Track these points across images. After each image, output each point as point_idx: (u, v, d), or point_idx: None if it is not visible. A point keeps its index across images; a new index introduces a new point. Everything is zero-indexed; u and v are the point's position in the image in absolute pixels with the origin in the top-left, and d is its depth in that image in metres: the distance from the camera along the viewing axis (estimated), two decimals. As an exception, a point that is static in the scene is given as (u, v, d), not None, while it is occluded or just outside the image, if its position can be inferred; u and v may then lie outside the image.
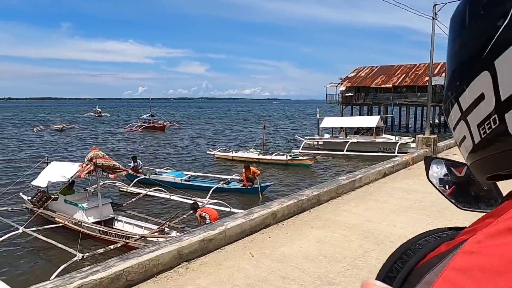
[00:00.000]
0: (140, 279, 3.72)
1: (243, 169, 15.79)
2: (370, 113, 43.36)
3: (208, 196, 13.37)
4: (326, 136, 29.34)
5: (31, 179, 12.15)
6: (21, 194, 13.27)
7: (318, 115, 30.23)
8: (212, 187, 14.76)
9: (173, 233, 9.46)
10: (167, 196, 13.30)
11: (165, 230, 9.99)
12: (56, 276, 7.10)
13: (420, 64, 41.13)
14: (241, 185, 15.75)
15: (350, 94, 43.07)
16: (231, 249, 4.82)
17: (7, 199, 12.72)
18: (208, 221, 9.34)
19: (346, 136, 27.41)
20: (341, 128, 28.83)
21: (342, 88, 43.42)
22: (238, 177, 16.14)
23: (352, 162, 22.79)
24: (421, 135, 14.80)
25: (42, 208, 11.34)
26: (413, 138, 22.87)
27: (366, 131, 27.80)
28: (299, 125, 54.93)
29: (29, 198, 12.48)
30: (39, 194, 12.15)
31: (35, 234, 9.84)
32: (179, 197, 12.77)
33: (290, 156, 21.69)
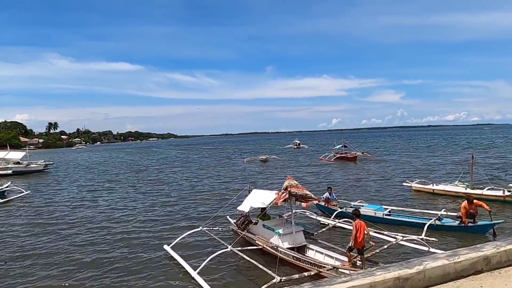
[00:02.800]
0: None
1: (464, 202, 13.51)
2: None
3: (423, 234, 12.26)
4: None
5: (237, 205, 13.81)
6: (228, 217, 15.20)
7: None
8: (425, 223, 13.41)
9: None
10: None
11: (357, 264, 9.59)
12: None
13: None
14: (458, 222, 13.51)
15: None
16: (431, 294, 4.14)
17: (218, 221, 14.77)
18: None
19: None
20: None
21: None
22: (450, 213, 14.24)
23: None
24: None
25: (245, 231, 12.66)
26: None
27: None
28: (520, 154, 45.26)
29: (235, 221, 14.14)
30: (242, 218, 13.63)
31: (240, 253, 11.01)
32: (373, 231, 12.01)
33: (509, 191, 17.97)
